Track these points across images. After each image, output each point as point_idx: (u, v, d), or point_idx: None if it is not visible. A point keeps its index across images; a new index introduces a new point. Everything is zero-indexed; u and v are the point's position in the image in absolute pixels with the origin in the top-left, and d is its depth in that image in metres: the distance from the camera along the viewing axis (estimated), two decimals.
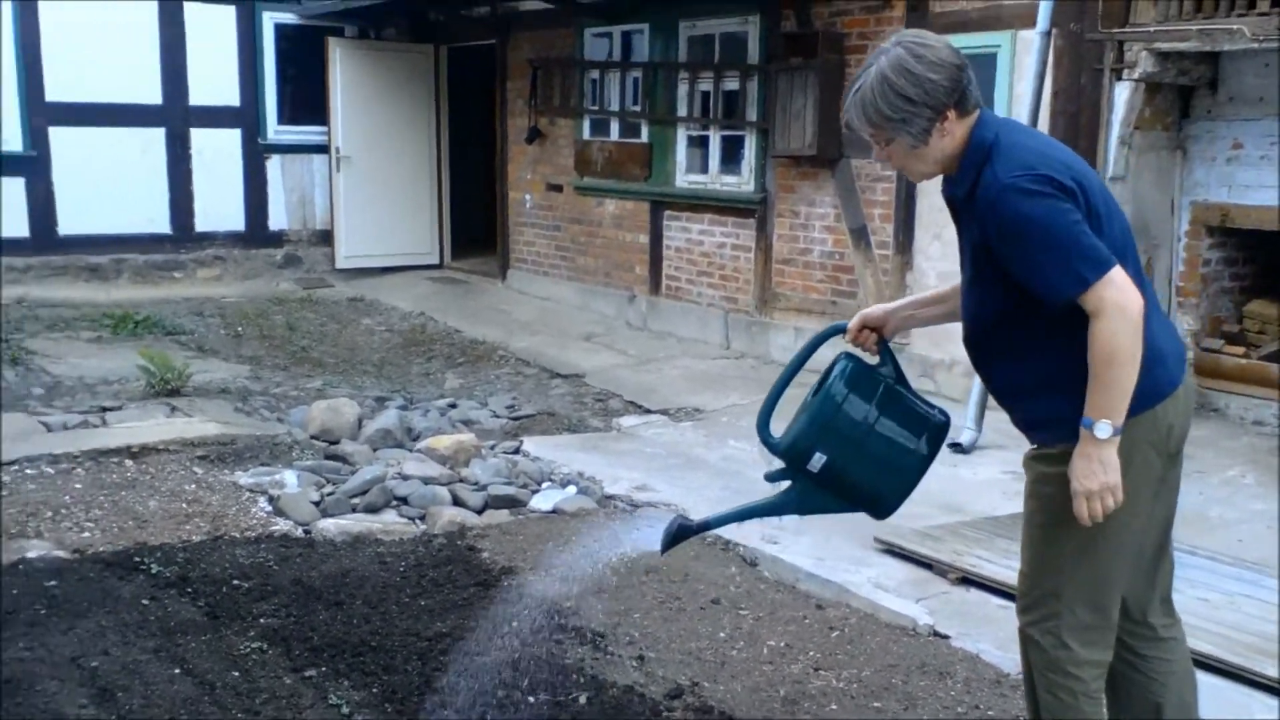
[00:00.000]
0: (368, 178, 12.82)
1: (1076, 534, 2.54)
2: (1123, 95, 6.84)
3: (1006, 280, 2.53)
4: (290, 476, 5.68)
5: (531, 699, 3.60)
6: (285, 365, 8.79)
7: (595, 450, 6.46)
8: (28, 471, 5.54)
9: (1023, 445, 2.73)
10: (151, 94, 12.15)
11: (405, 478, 5.67)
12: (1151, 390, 2.51)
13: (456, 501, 5.49)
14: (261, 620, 4.10)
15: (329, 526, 5.12)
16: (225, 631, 4.00)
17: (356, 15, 12.75)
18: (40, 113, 11.64)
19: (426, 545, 4.93)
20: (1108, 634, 2.64)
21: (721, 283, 9.60)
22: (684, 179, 9.97)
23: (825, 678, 3.77)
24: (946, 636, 4.06)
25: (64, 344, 9.00)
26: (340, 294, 12.11)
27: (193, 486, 5.49)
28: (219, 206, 12.61)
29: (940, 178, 2.68)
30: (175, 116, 12.30)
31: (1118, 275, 2.42)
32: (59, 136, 11.74)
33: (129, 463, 5.73)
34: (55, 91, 11.67)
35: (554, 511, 5.43)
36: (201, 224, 12.57)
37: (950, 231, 2.92)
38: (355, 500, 5.45)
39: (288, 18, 12.78)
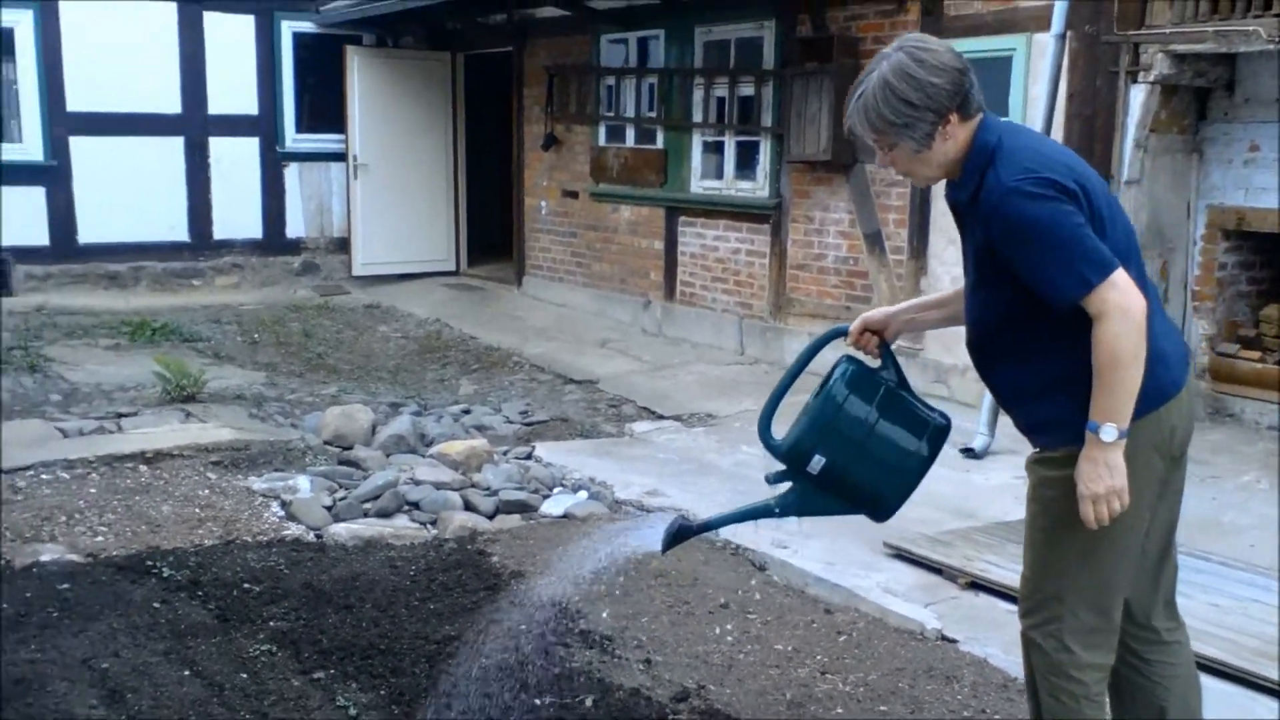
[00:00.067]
0: (385, 185, 12.88)
1: (1079, 537, 2.53)
2: (1138, 98, 6.81)
3: (1010, 283, 2.53)
4: (303, 482, 5.71)
5: (538, 701, 3.60)
6: (301, 372, 8.83)
7: (607, 456, 6.46)
8: (43, 476, 5.58)
9: None
10: (171, 103, 12.26)
11: (417, 483, 5.69)
12: (1154, 392, 2.50)
13: (468, 506, 5.50)
14: (271, 623, 4.12)
15: (340, 531, 5.14)
16: (235, 634, 4.02)
17: (374, 24, 12.81)
18: (61, 123, 11.77)
19: (437, 550, 4.94)
20: (1110, 637, 2.62)
21: (736, 288, 9.60)
22: (699, 185, 9.97)
23: (832, 681, 3.77)
24: (954, 641, 4.05)
25: (82, 351, 9.07)
26: (357, 301, 12.17)
27: (206, 491, 5.52)
28: (237, 214, 12.70)
29: (945, 182, 2.68)
30: (194, 125, 12.40)
31: (1120, 278, 2.42)
32: (79, 146, 11.87)
33: (143, 468, 5.77)
34: (76, 102, 11.79)
35: (565, 516, 5.44)
36: (220, 232, 12.66)
37: None
38: (367, 505, 5.46)
39: (306, 27, 12.86)
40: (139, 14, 11.88)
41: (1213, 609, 4.16)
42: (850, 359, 2.79)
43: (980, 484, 5.91)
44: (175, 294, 12.17)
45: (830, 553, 4.82)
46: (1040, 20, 7.02)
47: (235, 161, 12.61)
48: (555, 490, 5.83)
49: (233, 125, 12.58)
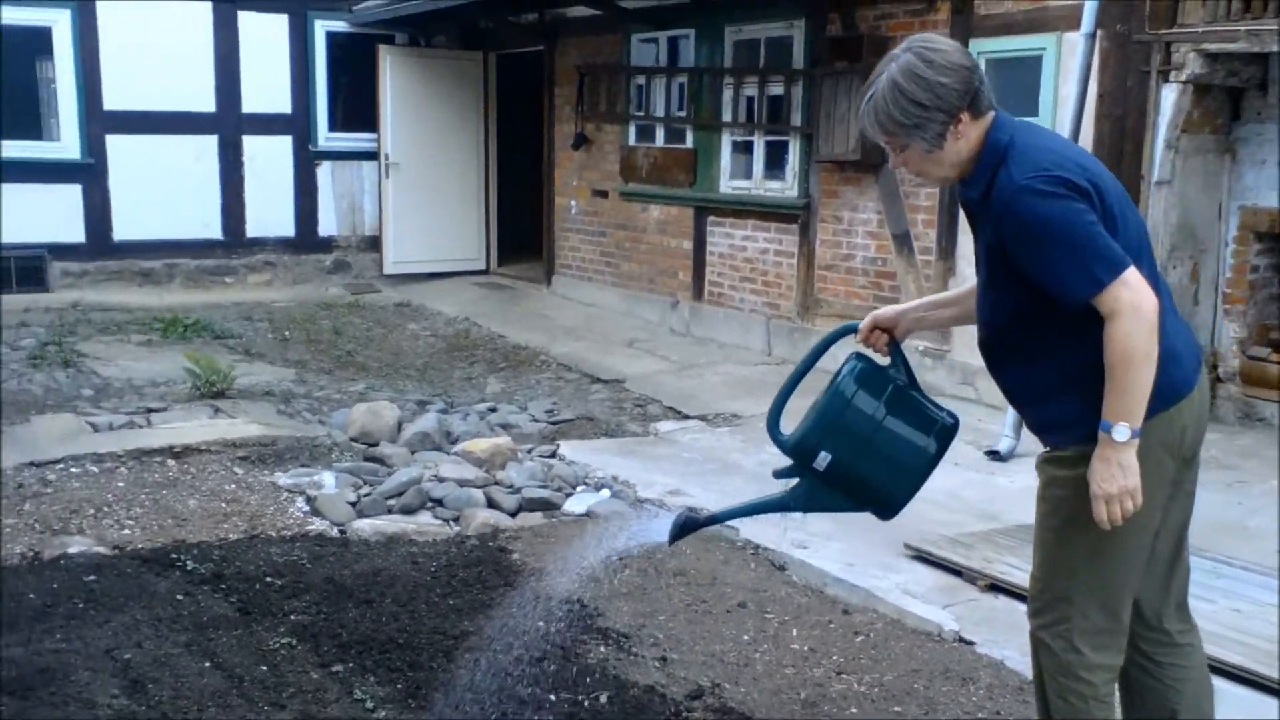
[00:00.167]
0: (416, 184, 12.95)
1: (1088, 537, 2.52)
2: (1170, 97, 6.74)
3: (1021, 282, 2.52)
4: (328, 477, 5.75)
5: (553, 697, 3.62)
6: (330, 369, 8.90)
7: (631, 455, 6.47)
8: (73, 470, 5.66)
9: None
10: (205, 102, 12.39)
11: (441, 480, 5.72)
12: (1166, 392, 2.48)
13: (491, 504, 5.52)
14: (292, 617, 4.16)
15: (364, 526, 5.18)
16: (256, 627, 4.06)
17: (407, 23, 12.89)
18: (97, 121, 11.91)
19: (459, 546, 4.97)
20: (1119, 638, 2.61)
21: (764, 288, 9.59)
22: (728, 184, 9.97)
23: (847, 681, 3.76)
24: (972, 643, 4.03)
25: (115, 347, 9.18)
26: (387, 299, 12.24)
27: (232, 486, 5.57)
28: (270, 212, 12.82)
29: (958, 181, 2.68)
30: (228, 124, 12.52)
31: (1132, 276, 2.41)
32: (115, 144, 12.01)
33: (171, 462, 5.83)
34: (112, 100, 11.93)
35: (587, 515, 5.45)
36: (252, 230, 12.78)
37: None
38: (391, 501, 5.50)
39: (339, 26, 12.95)
40: (175, 14, 12.01)
41: (1234, 614, 4.12)
42: (859, 356, 2.79)
43: (1004, 486, 5.88)
44: (208, 291, 12.30)
45: (850, 553, 4.81)
46: (1071, 19, 6.98)
47: (268, 160, 12.73)
48: (578, 488, 5.85)
49: (266, 124, 12.70)
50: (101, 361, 8.51)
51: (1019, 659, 3.86)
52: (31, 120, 11.93)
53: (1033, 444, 6.29)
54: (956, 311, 2.92)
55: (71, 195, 11.91)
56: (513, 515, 5.44)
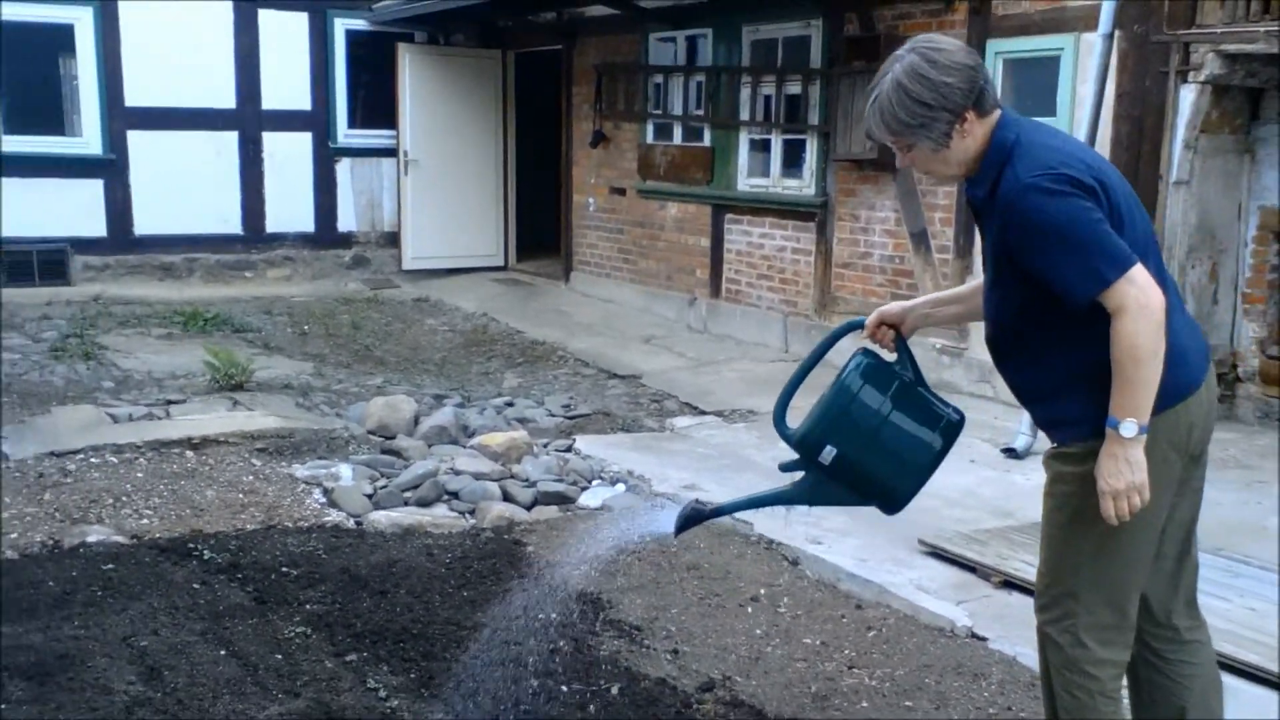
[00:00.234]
0: (435, 181, 13.00)
1: (1094, 533, 2.53)
2: (1188, 98, 6.73)
3: (1027, 280, 2.53)
4: (345, 470, 5.79)
5: (565, 688, 3.64)
6: (348, 363, 8.94)
7: (647, 450, 6.49)
8: (93, 460, 5.71)
9: None
10: (226, 99, 12.45)
11: (457, 473, 5.76)
12: (1172, 389, 2.49)
13: (506, 497, 5.55)
14: (307, 606, 4.19)
15: (380, 518, 5.21)
16: (271, 616, 4.10)
17: (426, 21, 12.94)
18: (119, 117, 11.99)
19: (474, 539, 5.00)
20: (1126, 634, 2.62)
21: (781, 286, 9.59)
22: (745, 182, 9.98)
23: (858, 676, 3.77)
24: (984, 639, 4.04)
25: (135, 340, 9.24)
26: (406, 294, 12.29)
27: (250, 478, 5.62)
28: (289, 208, 12.88)
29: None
30: (249, 120, 12.59)
31: (1139, 273, 2.41)
32: (137, 140, 12.08)
33: (189, 453, 5.88)
34: (134, 97, 12.01)
35: (602, 508, 5.47)
36: (272, 225, 12.85)
37: None
38: (407, 494, 5.54)
39: (359, 24, 13.01)
40: (196, 11, 12.09)
41: (1250, 613, 4.11)
42: (866, 352, 2.81)
43: (1021, 484, 5.87)
44: (228, 285, 12.37)
45: (864, 549, 4.82)
46: (1089, 20, 6.96)
47: (288, 156, 12.79)
48: (594, 483, 5.87)
49: (286, 120, 12.76)
50: (122, 354, 8.58)
51: (1031, 655, 3.83)
52: (54, 116, 12.02)
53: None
54: (963, 308, 2.93)
55: (93, 190, 12.00)
56: (528, 509, 5.47)
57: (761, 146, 9.87)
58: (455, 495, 5.55)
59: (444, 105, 12.96)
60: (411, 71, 12.76)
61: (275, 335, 9.88)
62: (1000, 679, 3.75)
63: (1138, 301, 2.39)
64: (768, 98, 9.66)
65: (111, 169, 12.01)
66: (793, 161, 9.51)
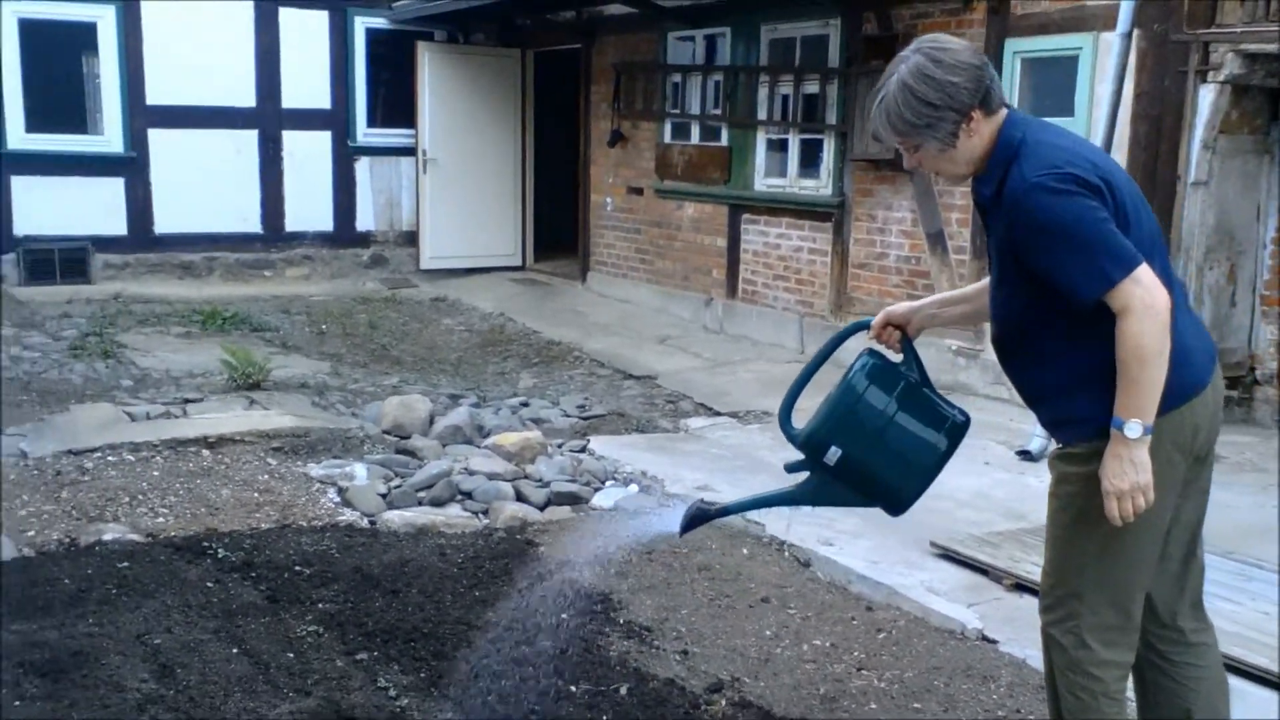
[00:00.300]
0: (453, 180, 13.03)
1: (1098, 534, 2.53)
2: (1207, 98, 6.69)
3: (1033, 279, 2.53)
4: (360, 469, 5.82)
5: (574, 688, 3.65)
6: (365, 362, 8.98)
7: (661, 450, 6.50)
8: (109, 458, 5.75)
9: None
10: (246, 97, 12.52)
11: (471, 473, 5.77)
12: (1178, 390, 2.49)
13: (519, 497, 5.57)
14: (320, 605, 4.21)
15: (393, 518, 5.23)
16: (284, 615, 4.12)
17: (445, 20, 12.98)
18: (141, 115, 12.07)
19: (486, 539, 5.01)
20: (1130, 635, 2.61)
21: (797, 287, 9.59)
22: (762, 182, 9.98)
23: (867, 678, 3.77)
24: (995, 641, 4.03)
25: (154, 338, 9.31)
26: (424, 294, 12.32)
27: (265, 476, 5.65)
28: (308, 207, 12.95)
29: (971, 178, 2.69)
30: (268, 119, 12.65)
31: (1144, 273, 2.41)
32: (157, 139, 12.16)
33: (205, 452, 5.91)
34: (155, 95, 12.08)
35: (615, 509, 5.48)
36: (291, 224, 12.92)
37: None
38: (421, 494, 5.56)
39: (379, 23, 13.06)
40: (217, 10, 12.16)
41: (1262, 617, 4.09)
42: (872, 352, 2.81)
43: (1035, 486, 5.84)
44: (247, 284, 12.43)
45: (876, 551, 4.81)
46: (1108, 19, 6.93)
47: (308, 155, 12.85)
48: (607, 483, 5.88)
49: (306, 119, 12.82)
50: (141, 352, 8.64)
51: (1041, 658, 3.85)
52: (77, 114, 12.11)
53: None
54: (969, 309, 2.93)
55: (114, 188, 12.08)
56: (541, 509, 5.48)
57: (779, 146, 9.86)
58: (469, 495, 5.57)
59: (463, 104, 12.99)
60: (431, 70, 12.79)
61: (293, 334, 9.93)
62: (1009, 681, 3.74)
63: (1143, 301, 2.39)
64: (785, 97, 9.66)
65: (132, 167, 12.09)
66: (810, 161, 9.50)
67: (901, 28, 8.48)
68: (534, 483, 5.74)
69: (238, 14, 12.32)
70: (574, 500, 5.58)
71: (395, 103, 13.13)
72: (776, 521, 5.01)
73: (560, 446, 6.45)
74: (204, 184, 12.27)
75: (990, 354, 7.64)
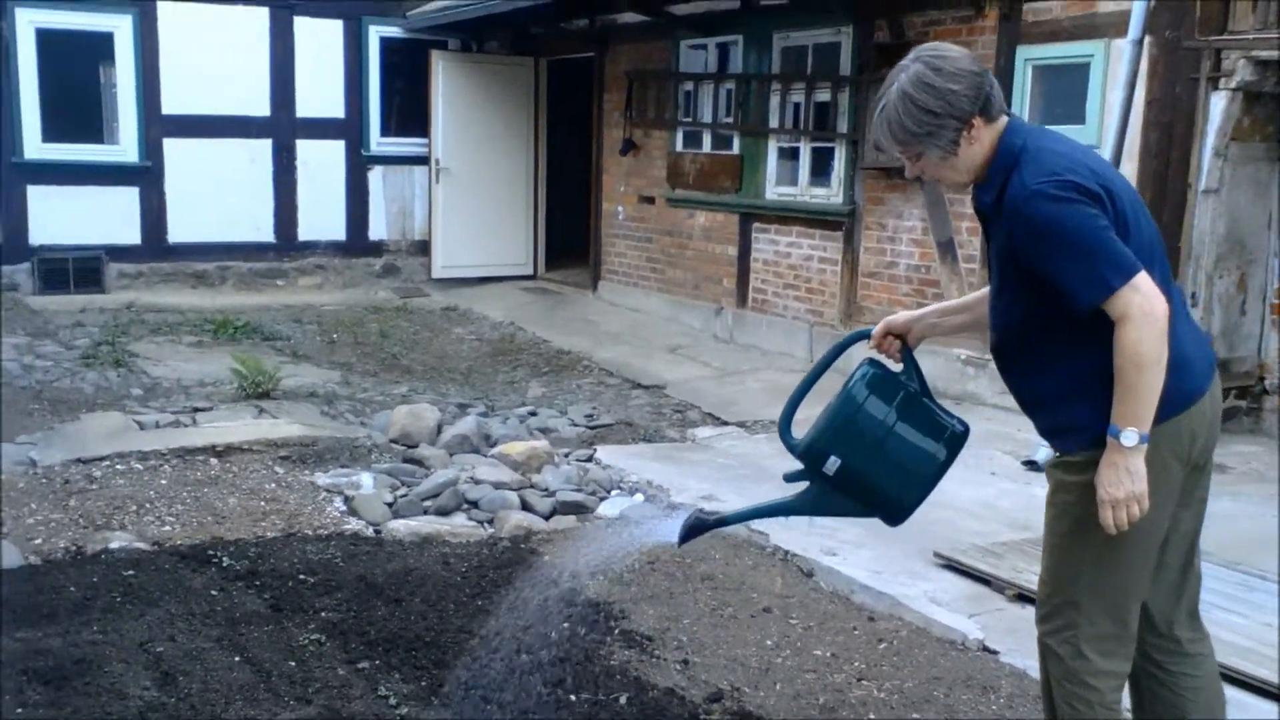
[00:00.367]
0: (466, 189, 13.07)
1: (1095, 542, 2.52)
2: (1219, 105, 6.66)
3: (1033, 287, 2.52)
4: (367, 478, 5.83)
5: (573, 697, 3.65)
6: (375, 371, 9.01)
7: (668, 460, 6.49)
8: (118, 467, 5.77)
9: None
10: (261, 107, 12.58)
11: (477, 482, 5.78)
12: (1175, 398, 2.48)
13: (525, 507, 5.57)
14: (322, 614, 4.23)
15: (399, 527, 5.24)
16: (287, 623, 4.14)
17: (459, 29, 13.01)
18: (156, 125, 12.15)
19: (491, 548, 5.02)
20: (1126, 645, 2.60)
21: (807, 296, 9.58)
22: (774, 191, 9.97)
23: (867, 688, 3.76)
24: (995, 652, 4.01)
25: (166, 347, 9.35)
26: (435, 303, 12.35)
27: (272, 485, 5.66)
28: (322, 216, 13.00)
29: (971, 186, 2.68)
30: (282, 128, 12.72)
31: (1143, 281, 2.41)
32: (172, 148, 12.24)
33: (213, 461, 5.93)
34: (170, 104, 12.16)
35: (619, 518, 5.48)
36: (304, 233, 12.97)
37: None
38: (427, 503, 5.56)
39: (393, 32, 13.12)
40: (233, 19, 12.24)
41: (1265, 628, 4.06)
42: (872, 362, 2.80)
43: (1040, 497, 5.69)
44: (260, 293, 12.48)
45: (879, 561, 4.80)
46: (1119, 26, 6.90)
47: (321, 164, 12.91)
48: (613, 493, 5.88)
49: (320, 128, 12.88)
50: (152, 361, 8.68)
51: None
52: (93, 124, 12.21)
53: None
54: (969, 317, 2.93)
55: (129, 197, 12.16)
56: (546, 518, 5.49)
57: (790, 155, 9.86)
58: (474, 504, 5.57)
59: (476, 113, 13.02)
60: (444, 79, 12.83)
61: (304, 343, 9.97)
62: (1010, 692, 3.73)
63: (1141, 309, 2.38)
64: (797, 105, 9.66)
65: (147, 176, 12.17)
66: (821, 170, 9.50)
67: (913, 35, 8.47)
68: (540, 492, 5.74)
69: (253, 23, 12.40)
70: (579, 510, 5.58)
71: (409, 112, 13.18)
72: (781, 531, 5.00)
73: (567, 456, 6.46)
74: (218, 193, 12.33)
75: None
